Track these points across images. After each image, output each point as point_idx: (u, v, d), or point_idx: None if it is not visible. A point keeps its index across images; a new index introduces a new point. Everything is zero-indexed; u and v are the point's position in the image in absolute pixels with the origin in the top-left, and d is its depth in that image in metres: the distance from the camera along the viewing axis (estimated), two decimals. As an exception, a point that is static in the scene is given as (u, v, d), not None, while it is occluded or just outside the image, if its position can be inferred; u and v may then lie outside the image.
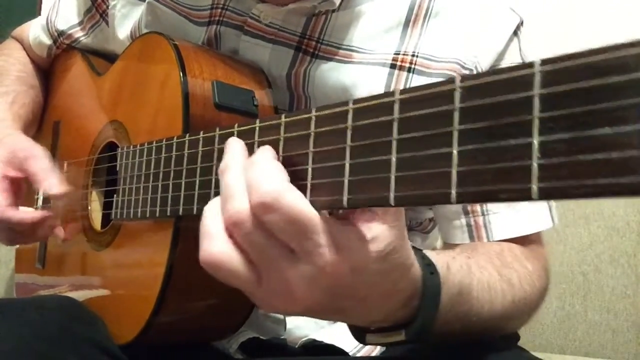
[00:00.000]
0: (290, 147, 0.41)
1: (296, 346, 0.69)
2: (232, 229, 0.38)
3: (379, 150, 0.35)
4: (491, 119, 0.30)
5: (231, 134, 0.46)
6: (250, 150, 0.43)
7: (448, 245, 0.68)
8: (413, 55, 0.66)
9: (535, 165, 0.27)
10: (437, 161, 0.32)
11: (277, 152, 0.42)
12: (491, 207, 0.65)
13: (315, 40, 0.68)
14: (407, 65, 0.66)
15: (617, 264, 1.17)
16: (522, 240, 0.65)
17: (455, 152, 0.31)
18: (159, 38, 0.68)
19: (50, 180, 0.71)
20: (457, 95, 0.31)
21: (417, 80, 0.65)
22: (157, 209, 0.57)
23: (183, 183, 0.53)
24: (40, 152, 0.74)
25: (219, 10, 0.72)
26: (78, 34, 0.92)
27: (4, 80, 0.92)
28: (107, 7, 0.85)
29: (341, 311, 0.42)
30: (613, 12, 1.29)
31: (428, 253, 0.47)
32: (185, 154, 0.53)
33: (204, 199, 0.48)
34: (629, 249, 1.17)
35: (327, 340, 0.67)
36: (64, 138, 0.89)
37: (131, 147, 0.65)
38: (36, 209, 0.89)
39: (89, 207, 0.76)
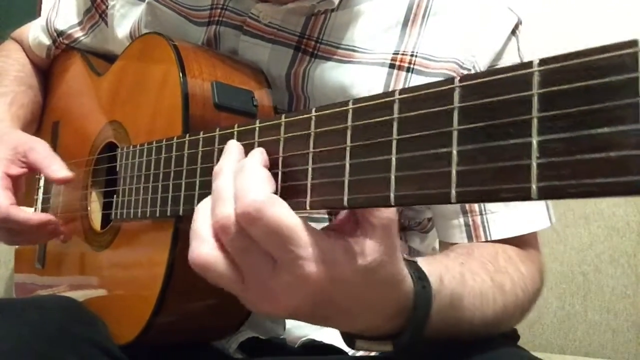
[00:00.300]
0: (290, 147, 0.41)
1: (295, 346, 0.69)
2: (219, 233, 0.39)
3: (379, 150, 0.35)
4: (490, 118, 0.30)
5: (231, 134, 0.46)
6: (250, 151, 0.43)
7: (445, 245, 0.68)
8: (412, 55, 0.66)
9: (534, 164, 0.27)
10: (437, 161, 0.32)
11: (277, 152, 0.42)
12: (489, 206, 0.65)
13: (315, 40, 0.68)
14: (406, 65, 0.66)
15: (617, 264, 1.17)
16: (518, 242, 0.65)
17: (454, 151, 0.31)
18: (158, 38, 0.68)
19: (55, 166, 0.73)
20: (457, 95, 0.31)
21: (416, 80, 0.65)
22: (157, 209, 0.57)
23: (183, 183, 0.53)
24: (41, 142, 0.76)
25: (219, 11, 0.72)
26: (78, 34, 0.92)
27: (3, 80, 0.92)
28: (107, 7, 0.85)
29: (326, 318, 0.43)
30: (612, 12, 1.29)
31: (422, 264, 0.47)
32: (185, 154, 0.53)
33: (204, 200, 0.48)
34: (629, 249, 1.17)
35: (327, 340, 0.67)
36: (64, 138, 0.89)
37: (131, 147, 0.65)
38: (36, 209, 0.89)
39: (89, 208, 0.76)
